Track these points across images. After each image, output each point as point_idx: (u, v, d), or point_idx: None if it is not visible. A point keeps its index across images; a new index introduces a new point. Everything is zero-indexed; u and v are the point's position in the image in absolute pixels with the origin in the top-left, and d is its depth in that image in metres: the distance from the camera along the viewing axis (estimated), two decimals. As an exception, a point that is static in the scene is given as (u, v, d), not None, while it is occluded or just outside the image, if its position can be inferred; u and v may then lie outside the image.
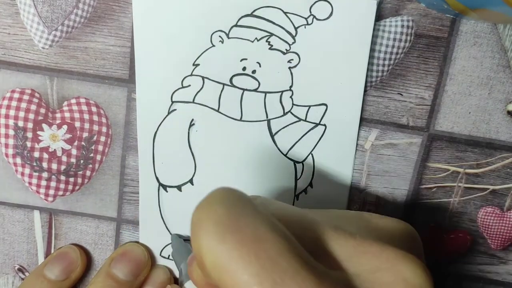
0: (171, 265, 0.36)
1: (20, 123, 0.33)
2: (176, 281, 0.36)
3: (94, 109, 0.33)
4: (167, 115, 0.32)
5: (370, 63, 0.31)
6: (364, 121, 0.33)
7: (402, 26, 0.31)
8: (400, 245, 0.21)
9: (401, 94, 0.32)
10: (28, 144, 0.33)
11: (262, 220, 0.19)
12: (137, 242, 0.35)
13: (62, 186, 0.34)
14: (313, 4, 0.30)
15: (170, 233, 0.35)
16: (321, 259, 0.19)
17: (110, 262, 0.33)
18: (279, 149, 0.33)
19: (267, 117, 0.32)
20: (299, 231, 0.20)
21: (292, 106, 0.32)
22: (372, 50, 0.31)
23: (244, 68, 0.31)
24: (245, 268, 0.17)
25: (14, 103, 0.33)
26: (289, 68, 0.31)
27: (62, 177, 0.34)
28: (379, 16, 0.31)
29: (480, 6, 0.26)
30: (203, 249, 0.19)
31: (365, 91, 0.32)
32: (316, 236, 0.21)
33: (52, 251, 0.36)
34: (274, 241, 0.18)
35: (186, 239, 0.34)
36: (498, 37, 0.31)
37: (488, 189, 0.34)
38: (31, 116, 0.33)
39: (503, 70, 0.31)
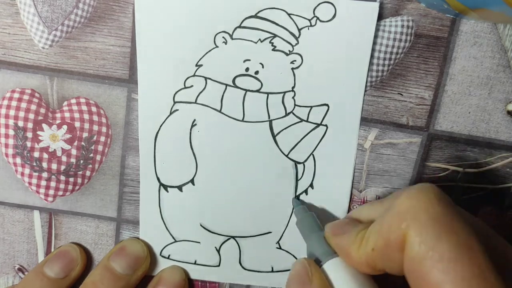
0: (173, 264, 0.36)
1: (20, 123, 0.33)
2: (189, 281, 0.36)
3: (94, 109, 0.33)
4: (169, 115, 0.32)
5: (370, 63, 0.31)
6: (364, 120, 0.33)
7: (402, 26, 0.31)
8: None
9: (401, 94, 0.32)
10: (28, 144, 0.33)
11: (472, 230, 0.20)
12: (137, 238, 0.35)
13: (62, 186, 0.34)
14: (317, 6, 0.30)
15: (170, 233, 0.35)
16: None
17: (109, 256, 0.33)
18: (280, 150, 0.33)
19: (269, 117, 0.32)
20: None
21: (294, 107, 0.32)
22: (372, 50, 0.31)
23: (247, 69, 0.31)
24: (456, 272, 0.18)
25: (14, 103, 0.33)
26: (292, 69, 0.31)
27: (62, 177, 0.34)
28: (379, 16, 0.31)
29: (480, 6, 0.26)
30: (413, 239, 0.20)
31: (365, 91, 0.32)
32: (495, 249, 0.22)
33: (52, 251, 0.36)
34: (483, 253, 0.19)
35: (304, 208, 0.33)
36: (498, 37, 0.31)
37: (488, 188, 0.34)
38: (31, 116, 0.33)
39: (503, 70, 0.31)
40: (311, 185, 0.34)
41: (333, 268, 0.26)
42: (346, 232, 0.25)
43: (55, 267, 0.34)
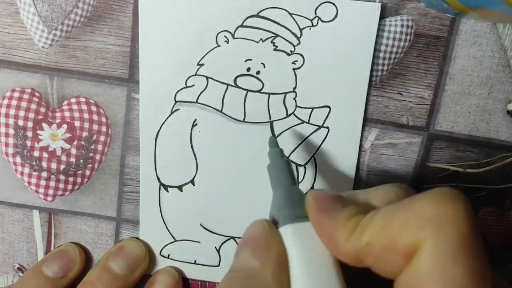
0: (172, 264, 0.36)
1: (20, 122, 0.33)
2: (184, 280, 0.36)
3: (93, 108, 0.33)
4: (169, 115, 0.32)
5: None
6: (364, 120, 0.32)
7: (402, 25, 0.31)
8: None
9: (401, 94, 0.32)
10: (28, 143, 0.33)
11: (487, 255, 0.18)
12: (137, 238, 0.35)
13: (61, 186, 0.34)
14: (319, 6, 0.30)
15: (170, 232, 0.35)
16: None
17: (108, 256, 0.34)
18: None
19: (270, 118, 0.32)
20: None
21: (296, 108, 0.32)
22: (372, 49, 0.31)
23: (248, 69, 0.31)
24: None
25: (14, 102, 0.33)
26: (293, 69, 0.31)
27: (62, 177, 0.34)
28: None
29: (479, 5, 0.26)
30: (428, 251, 0.18)
31: (367, 93, 0.32)
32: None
33: (52, 250, 0.36)
34: (491, 284, 0.17)
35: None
36: (498, 36, 0.31)
37: (488, 189, 0.34)
38: (31, 115, 0.33)
39: (502, 70, 0.31)
40: (312, 187, 0.34)
41: (296, 235, 0.22)
42: (334, 210, 0.21)
43: (54, 267, 0.34)
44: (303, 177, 0.33)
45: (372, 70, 0.31)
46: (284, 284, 0.21)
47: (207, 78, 0.32)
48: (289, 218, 0.23)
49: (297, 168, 0.33)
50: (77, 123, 0.33)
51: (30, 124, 0.33)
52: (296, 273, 0.21)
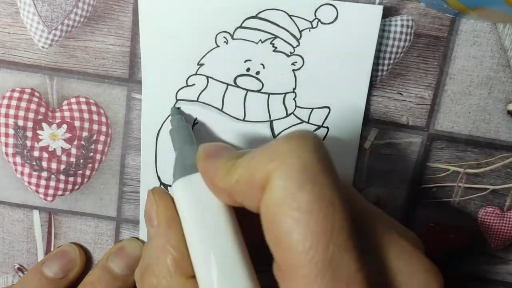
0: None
1: (20, 122, 0.33)
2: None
3: (93, 108, 0.33)
4: (171, 114, 0.32)
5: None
6: (364, 120, 0.32)
7: (402, 25, 0.31)
8: None
9: (401, 94, 0.32)
10: (28, 143, 0.33)
11: (338, 185, 0.19)
12: (137, 238, 0.35)
13: (61, 185, 0.34)
14: (318, 8, 0.30)
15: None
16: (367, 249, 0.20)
17: (108, 256, 0.34)
18: None
19: (270, 118, 0.32)
20: (358, 217, 0.20)
21: (295, 108, 0.32)
22: (371, 49, 0.31)
23: (248, 69, 0.31)
24: (308, 224, 0.18)
25: (14, 102, 0.33)
26: (293, 70, 0.31)
27: (62, 177, 0.34)
28: (379, 15, 0.31)
29: (479, 5, 0.26)
30: (275, 181, 0.19)
31: (367, 94, 0.32)
32: (371, 227, 0.22)
33: (52, 250, 0.36)
34: (343, 216, 0.18)
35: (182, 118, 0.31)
36: (498, 36, 0.31)
37: (488, 189, 0.34)
38: (31, 115, 0.33)
39: (503, 70, 0.31)
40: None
41: (184, 186, 0.24)
42: (219, 156, 0.23)
43: (54, 267, 0.34)
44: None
45: (372, 70, 0.31)
46: (176, 240, 0.23)
47: (207, 77, 0.32)
48: (179, 174, 0.24)
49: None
50: (77, 123, 0.33)
51: (30, 124, 0.33)
52: (186, 223, 0.23)
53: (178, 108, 0.32)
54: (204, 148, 0.24)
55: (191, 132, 0.30)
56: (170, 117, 0.32)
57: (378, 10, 0.30)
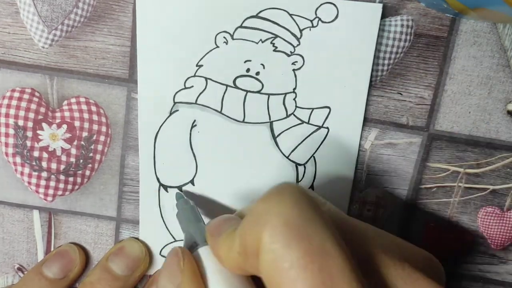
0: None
1: (20, 122, 0.33)
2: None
3: (93, 108, 0.33)
4: (169, 116, 0.32)
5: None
6: (363, 120, 0.32)
7: (402, 25, 0.31)
8: (429, 276, 0.22)
9: (401, 94, 0.32)
10: (28, 143, 0.33)
11: (330, 233, 0.19)
12: (136, 238, 0.35)
13: (61, 185, 0.34)
14: (319, 7, 0.30)
15: (170, 232, 0.35)
16: (367, 275, 0.19)
17: (107, 256, 0.34)
18: (281, 151, 0.33)
19: (269, 119, 0.32)
20: (353, 245, 0.20)
21: (295, 109, 0.32)
22: (371, 49, 0.31)
23: (248, 70, 0.31)
24: (305, 280, 0.17)
25: (14, 102, 0.33)
26: (293, 70, 0.31)
27: (62, 177, 0.34)
28: (379, 15, 0.31)
29: (479, 5, 0.26)
30: (264, 245, 0.19)
31: (368, 94, 0.32)
32: (367, 253, 0.21)
33: (52, 250, 0.36)
34: (339, 259, 0.18)
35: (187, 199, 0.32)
36: (498, 36, 0.31)
37: (488, 189, 0.34)
38: (31, 115, 0.33)
39: (502, 70, 0.31)
40: (312, 187, 0.34)
41: (208, 254, 0.25)
42: (222, 232, 0.23)
43: (54, 267, 0.34)
44: (303, 176, 0.33)
45: (372, 70, 0.31)
46: None
47: (206, 79, 0.32)
48: (201, 241, 0.26)
49: (297, 167, 0.33)
50: (77, 123, 0.33)
51: (30, 124, 0.33)
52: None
53: (181, 192, 0.33)
54: (208, 227, 0.24)
55: (196, 212, 0.30)
56: (176, 199, 0.32)
57: (378, 8, 0.30)
